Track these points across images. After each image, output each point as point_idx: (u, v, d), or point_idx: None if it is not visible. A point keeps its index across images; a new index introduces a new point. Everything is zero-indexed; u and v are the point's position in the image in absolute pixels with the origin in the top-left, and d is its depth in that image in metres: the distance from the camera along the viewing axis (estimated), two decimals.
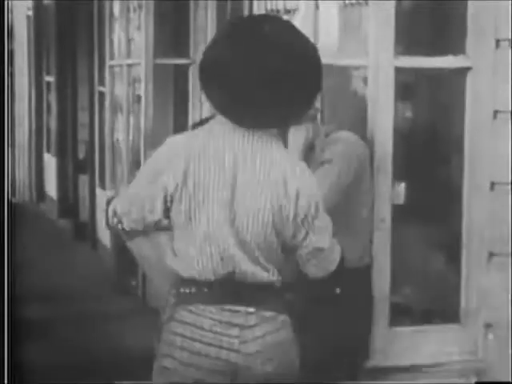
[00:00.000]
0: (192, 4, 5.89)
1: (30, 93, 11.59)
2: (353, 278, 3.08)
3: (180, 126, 6.39)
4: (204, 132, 2.62)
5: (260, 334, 2.58)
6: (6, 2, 3.49)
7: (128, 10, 7.14)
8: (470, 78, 3.59)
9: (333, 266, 2.64)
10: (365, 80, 3.55)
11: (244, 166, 2.55)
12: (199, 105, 5.69)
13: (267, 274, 2.58)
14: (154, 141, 5.77)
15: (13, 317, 3.45)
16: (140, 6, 6.76)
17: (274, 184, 2.54)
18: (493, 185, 3.61)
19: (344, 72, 4.24)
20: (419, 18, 3.87)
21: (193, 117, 5.76)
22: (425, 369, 3.61)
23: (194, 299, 2.59)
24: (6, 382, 3.22)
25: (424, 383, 3.61)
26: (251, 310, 2.57)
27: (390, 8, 3.46)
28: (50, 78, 10.62)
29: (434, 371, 3.62)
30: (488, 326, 3.64)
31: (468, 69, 3.58)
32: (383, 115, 3.46)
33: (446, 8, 3.76)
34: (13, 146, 11.53)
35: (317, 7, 3.67)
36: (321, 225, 2.60)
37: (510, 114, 3.57)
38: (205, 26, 5.86)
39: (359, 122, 3.59)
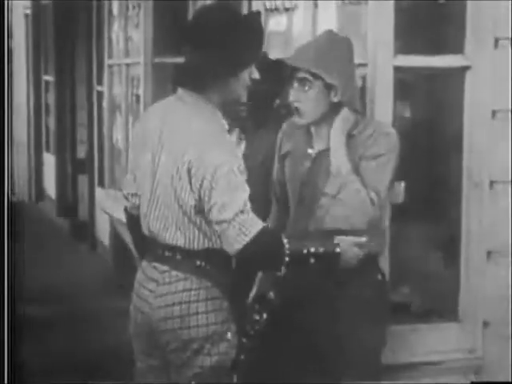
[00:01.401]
0: (191, 3, 5.88)
1: (28, 92, 11.59)
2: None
3: None
4: (152, 107, 2.97)
5: (169, 291, 2.77)
6: (5, 2, 3.48)
7: (127, 8, 7.13)
8: (468, 77, 3.59)
9: (237, 244, 2.63)
10: (364, 79, 3.55)
11: (167, 134, 2.76)
12: None
13: (175, 238, 2.75)
14: None
15: (12, 316, 3.44)
16: (139, 5, 6.75)
17: (176, 153, 2.70)
18: (492, 183, 3.61)
19: None
20: (418, 17, 3.87)
21: None
22: (423, 367, 3.62)
23: (144, 255, 2.91)
24: (5, 382, 3.22)
25: (423, 382, 3.61)
26: (165, 268, 2.79)
27: (389, 7, 3.46)
28: (49, 78, 10.62)
29: (432, 369, 3.62)
30: (486, 324, 3.65)
31: (467, 68, 3.59)
32: (382, 114, 3.46)
33: (444, 7, 3.76)
34: (12, 145, 11.52)
35: (315, 5, 3.67)
36: (220, 199, 2.63)
37: (508, 113, 3.57)
38: None
39: None
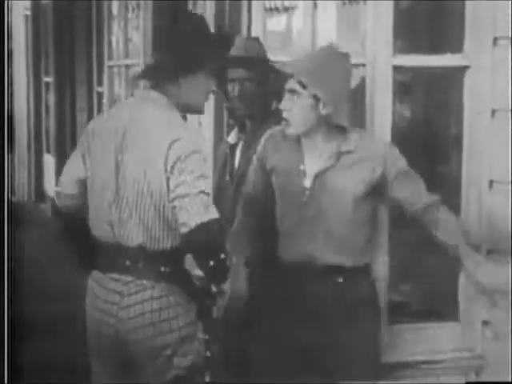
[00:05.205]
0: (190, 4, 5.88)
1: (28, 93, 11.58)
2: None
3: None
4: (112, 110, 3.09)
5: (136, 302, 2.78)
6: (5, 2, 3.49)
7: (126, 9, 7.14)
8: (468, 77, 3.59)
9: (193, 221, 2.63)
10: (363, 79, 3.55)
11: (134, 132, 2.80)
12: None
13: (140, 238, 2.76)
14: None
15: (12, 316, 3.44)
16: (138, 6, 6.76)
17: (149, 147, 2.74)
18: (491, 183, 3.61)
19: None
20: (417, 17, 3.88)
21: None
22: (423, 366, 3.62)
23: (96, 266, 2.91)
24: (5, 382, 3.22)
25: (423, 381, 3.61)
26: (129, 278, 2.79)
27: (389, 6, 3.47)
28: (49, 79, 10.62)
29: (432, 369, 3.62)
30: (486, 323, 3.65)
31: (466, 67, 3.59)
32: (381, 114, 3.47)
33: (444, 6, 3.77)
34: (12, 146, 11.52)
35: (315, 5, 3.67)
36: (190, 176, 2.68)
37: (508, 113, 3.57)
38: None
39: (357, 121, 3.59)
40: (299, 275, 3.10)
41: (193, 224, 2.63)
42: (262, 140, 3.24)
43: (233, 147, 3.62)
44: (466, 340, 3.66)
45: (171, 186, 2.69)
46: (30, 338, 5.04)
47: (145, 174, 2.74)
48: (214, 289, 2.82)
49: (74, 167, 2.96)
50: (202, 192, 2.65)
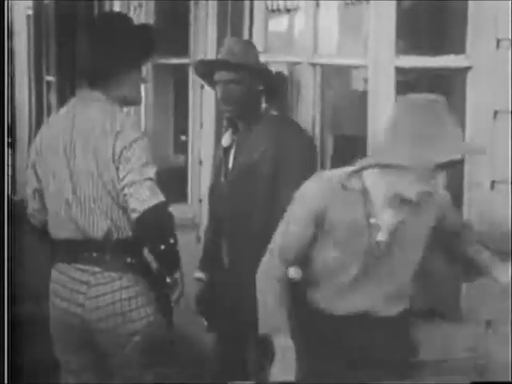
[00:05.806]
0: (192, 4, 5.88)
1: (30, 92, 11.58)
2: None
3: (180, 125, 6.39)
4: (52, 117, 3.26)
5: (105, 292, 2.89)
6: (6, 2, 3.51)
7: (128, 9, 7.14)
8: (470, 78, 3.59)
9: (144, 205, 2.78)
10: (365, 80, 3.55)
11: (82, 132, 2.93)
12: (199, 104, 5.69)
13: (104, 227, 2.88)
14: (155, 140, 5.77)
15: (13, 316, 3.44)
16: (140, 6, 6.76)
17: (98, 142, 2.87)
18: (493, 183, 3.61)
19: (344, 72, 4.25)
20: (420, 18, 3.87)
21: (193, 116, 5.77)
22: (426, 367, 3.61)
23: (58, 258, 3.03)
24: (5, 382, 3.22)
25: (425, 382, 3.60)
26: (97, 269, 2.90)
27: (391, 7, 3.46)
28: (50, 78, 10.62)
29: (435, 369, 3.61)
30: (488, 323, 3.65)
31: (468, 68, 3.58)
32: (384, 115, 3.46)
33: (446, 7, 3.76)
34: (13, 145, 11.52)
35: (317, 6, 3.67)
36: (136, 164, 2.83)
37: (510, 114, 3.56)
38: (205, 26, 5.86)
39: (360, 122, 3.60)
40: (348, 327, 2.90)
41: (141, 209, 2.77)
42: (314, 189, 2.80)
43: (227, 149, 3.63)
44: (469, 340, 3.66)
45: (120, 176, 2.82)
46: (30, 338, 5.03)
47: (97, 167, 2.85)
48: (168, 280, 2.90)
49: (30, 181, 3.10)
50: (149, 178, 2.80)
